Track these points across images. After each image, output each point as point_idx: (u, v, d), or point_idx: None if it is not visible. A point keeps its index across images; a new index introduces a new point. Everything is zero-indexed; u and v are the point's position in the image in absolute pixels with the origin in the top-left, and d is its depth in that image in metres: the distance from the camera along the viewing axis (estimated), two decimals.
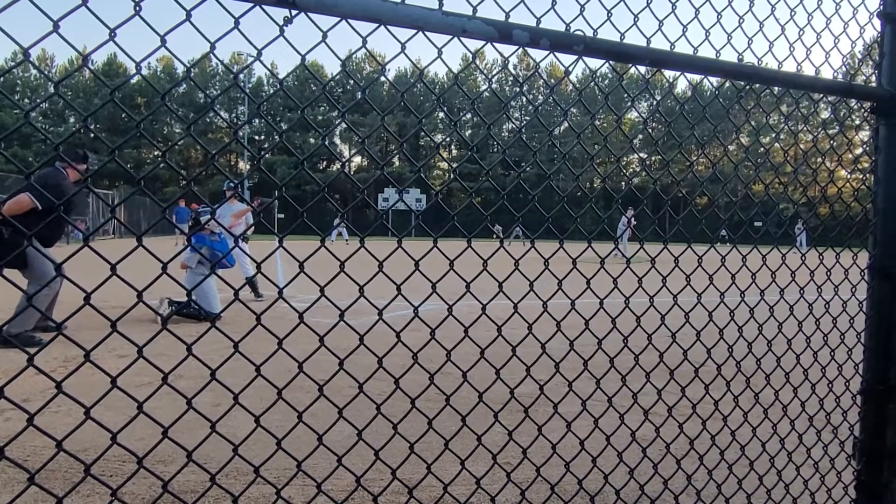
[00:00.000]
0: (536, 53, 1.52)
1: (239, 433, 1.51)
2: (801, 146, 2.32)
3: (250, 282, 8.87)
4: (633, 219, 17.01)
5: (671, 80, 1.94)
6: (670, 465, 2.08)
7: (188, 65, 1.15)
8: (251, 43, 1.15)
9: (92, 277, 1.06)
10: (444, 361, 1.55)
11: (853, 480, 2.06)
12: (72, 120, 53.86)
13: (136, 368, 1.17)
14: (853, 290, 2.18)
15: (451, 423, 1.64)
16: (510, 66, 1.55)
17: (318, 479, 1.51)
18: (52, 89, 1.14)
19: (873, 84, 2.03)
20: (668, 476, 2.08)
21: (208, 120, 52.32)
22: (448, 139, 59.61)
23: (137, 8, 1.04)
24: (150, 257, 1.16)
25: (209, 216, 8.14)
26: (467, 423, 1.61)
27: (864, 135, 2.46)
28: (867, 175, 2.10)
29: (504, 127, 56.55)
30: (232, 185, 9.13)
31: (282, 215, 41.48)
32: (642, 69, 1.69)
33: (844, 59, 2.16)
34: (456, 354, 1.55)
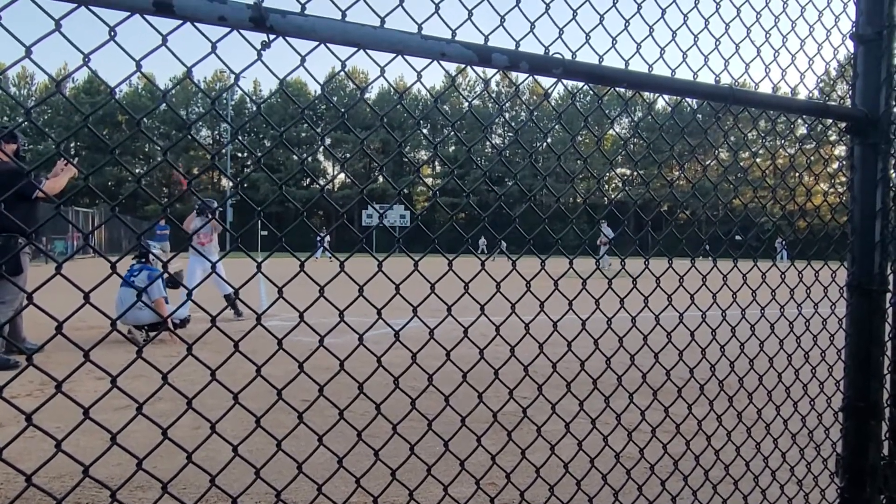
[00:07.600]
0: (517, 73, 1.52)
1: (220, 456, 1.48)
2: (780, 162, 2.35)
3: (230, 301, 8.72)
4: (605, 235, 16.58)
5: (650, 101, 1.95)
6: (655, 485, 2.07)
7: (169, 86, 1.14)
8: (228, 67, 1.14)
9: (69, 297, 1.03)
10: (427, 384, 1.53)
11: (836, 498, 2.07)
12: (52, 138, 53.59)
13: (115, 390, 1.15)
14: (833, 306, 2.20)
15: (434, 443, 1.62)
16: (493, 83, 1.56)
17: None
18: (30, 110, 1.12)
19: (848, 104, 2.06)
20: (653, 497, 2.07)
21: (189, 137, 52.14)
22: (431, 156, 59.79)
23: (112, 34, 1.03)
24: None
25: (158, 248, 8.01)
26: (450, 448, 1.59)
27: (841, 150, 2.49)
28: (843, 190, 2.13)
29: (488, 143, 56.65)
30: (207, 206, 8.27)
31: (265, 232, 41.16)
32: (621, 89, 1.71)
33: (819, 80, 2.20)
34: (439, 375, 1.54)
